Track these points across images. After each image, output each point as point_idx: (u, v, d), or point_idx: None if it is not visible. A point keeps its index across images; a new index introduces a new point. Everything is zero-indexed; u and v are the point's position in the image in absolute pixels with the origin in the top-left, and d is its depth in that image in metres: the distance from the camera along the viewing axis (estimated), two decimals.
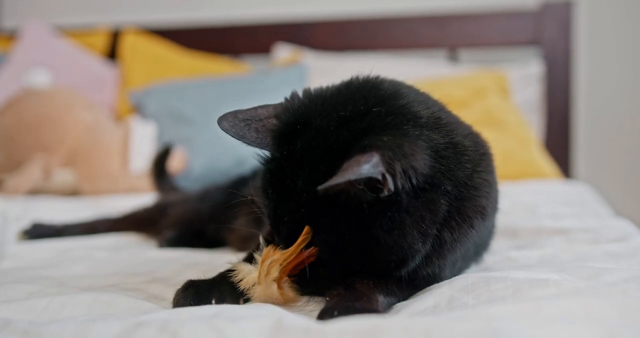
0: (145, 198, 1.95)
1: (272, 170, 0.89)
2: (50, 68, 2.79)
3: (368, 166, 0.76)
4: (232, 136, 0.91)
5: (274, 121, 0.92)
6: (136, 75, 2.97)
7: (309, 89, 0.96)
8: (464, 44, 2.87)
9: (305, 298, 0.93)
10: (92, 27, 3.19)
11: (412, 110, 0.88)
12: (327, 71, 2.59)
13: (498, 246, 1.30)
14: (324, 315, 0.78)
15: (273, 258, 0.88)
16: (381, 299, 0.87)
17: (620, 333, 0.61)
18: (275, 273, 0.88)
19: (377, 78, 0.95)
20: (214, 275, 0.93)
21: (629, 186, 2.82)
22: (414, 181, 0.81)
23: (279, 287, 0.88)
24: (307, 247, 0.87)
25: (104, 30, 3.13)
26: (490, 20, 2.82)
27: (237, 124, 0.91)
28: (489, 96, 2.50)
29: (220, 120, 0.91)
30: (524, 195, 1.88)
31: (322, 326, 0.66)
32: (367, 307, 0.81)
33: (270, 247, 0.90)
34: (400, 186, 0.80)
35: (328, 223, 0.84)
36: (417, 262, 0.88)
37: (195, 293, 0.88)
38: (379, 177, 0.77)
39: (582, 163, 2.84)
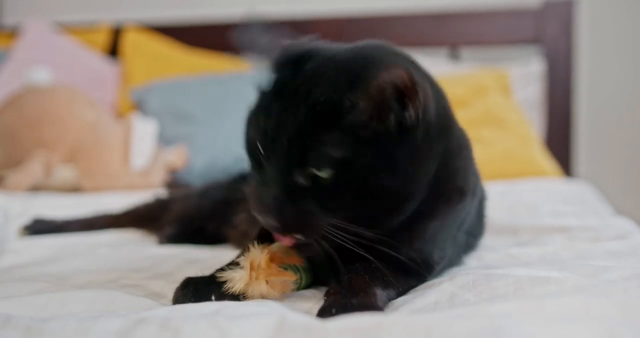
0: (146, 195, 1.95)
1: (275, 89, 0.87)
2: (51, 65, 2.78)
3: (399, 72, 0.77)
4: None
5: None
6: (137, 73, 2.96)
7: None
8: (465, 42, 2.87)
9: (302, 294, 0.93)
10: (93, 25, 3.18)
11: (411, 60, 0.95)
12: None
13: (499, 243, 1.30)
14: (322, 314, 0.78)
15: (259, 261, 0.88)
16: (379, 292, 0.86)
17: (620, 331, 0.61)
18: (262, 275, 0.88)
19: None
20: (213, 272, 0.93)
21: (630, 184, 2.82)
22: (428, 117, 0.84)
23: (269, 283, 0.89)
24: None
25: (105, 28, 3.13)
26: (491, 18, 2.81)
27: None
28: (490, 94, 2.50)
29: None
30: (524, 193, 1.87)
31: (323, 324, 0.66)
32: (365, 302, 0.80)
33: (252, 248, 0.90)
34: (420, 115, 0.82)
35: (342, 137, 0.80)
36: (408, 212, 0.87)
37: (194, 290, 0.88)
38: (410, 86, 0.78)
39: (583, 161, 2.84)
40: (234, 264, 0.92)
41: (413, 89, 0.78)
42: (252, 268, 0.88)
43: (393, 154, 0.81)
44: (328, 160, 0.79)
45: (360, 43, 0.94)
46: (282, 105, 0.83)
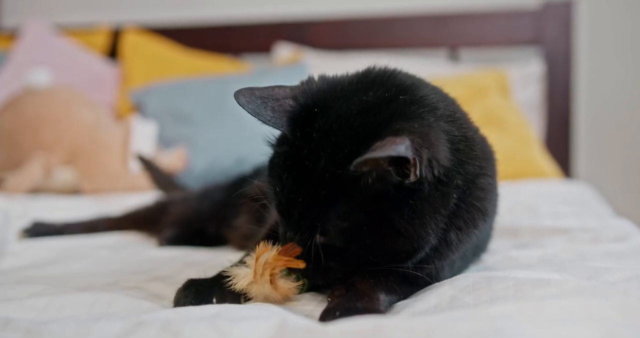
0: (146, 196, 1.95)
1: (286, 153, 0.88)
2: (51, 67, 2.78)
3: (403, 147, 0.76)
4: (248, 112, 0.89)
5: (291, 102, 0.91)
6: (137, 74, 2.96)
7: (325, 74, 0.97)
8: (464, 43, 2.87)
9: (303, 296, 0.93)
10: (92, 26, 3.18)
11: (431, 102, 0.89)
12: (328, 70, 2.57)
13: (499, 245, 1.30)
14: (326, 316, 0.78)
15: (266, 257, 0.88)
16: (382, 297, 0.87)
17: (620, 333, 0.61)
18: (267, 271, 0.88)
19: (392, 69, 0.95)
20: (214, 274, 0.93)
21: (629, 185, 2.82)
22: (436, 172, 0.82)
23: (273, 283, 0.88)
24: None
25: (104, 29, 3.13)
26: (491, 19, 2.82)
27: (254, 100, 0.90)
28: (490, 95, 2.50)
29: (237, 95, 0.89)
30: (524, 194, 1.87)
31: (324, 327, 0.67)
32: (368, 307, 0.81)
33: (262, 245, 0.90)
34: (424, 174, 0.80)
35: (347, 208, 0.83)
36: (423, 254, 0.88)
37: (195, 292, 0.88)
38: (411, 160, 0.77)
39: (582, 162, 2.84)
40: (240, 263, 0.93)
41: (414, 156, 0.78)
42: (257, 263, 0.88)
43: (396, 217, 0.83)
44: (337, 230, 0.84)
45: (371, 78, 0.92)
46: (292, 175, 0.86)
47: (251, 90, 0.90)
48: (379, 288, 0.87)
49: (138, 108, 2.76)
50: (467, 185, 0.90)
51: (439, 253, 0.91)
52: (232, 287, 0.88)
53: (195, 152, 2.49)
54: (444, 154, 0.83)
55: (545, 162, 2.33)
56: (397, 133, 0.79)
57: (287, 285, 0.90)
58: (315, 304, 0.90)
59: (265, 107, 0.90)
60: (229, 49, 3.08)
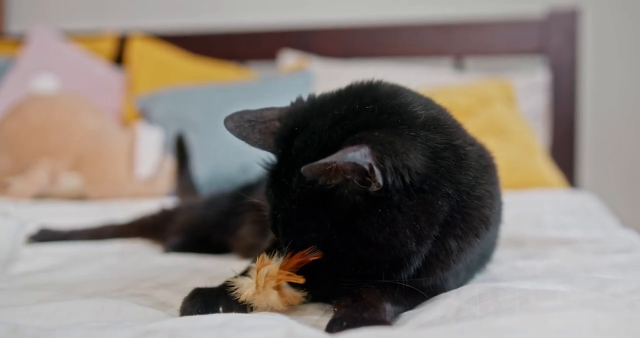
0: (151, 203, 1.95)
1: (271, 172, 0.91)
2: (57, 73, 2.79)
3: (355, 154, 0.77)
4: (236, 136, 0.93)
5: (277, 124, 0.94)
6: (142, 81, 2.97)
7: (314, 93, 0.98)
8: (469, 52, 2.88)
9: (309, 306, 0.93)
10: (98, 32, 3.20)
11: (409, 110, 0.89)
12: (334, 78, 2.59)
13: (504, 256, 1.30)
14: (332, 327, 0.78)
15: (269, 268, 0.89)
16: (388, 308, 0.87)
17: None
18: (271, 282, 0.88)
19: (377, 81, 0.96)
20: (220, 283, 0.93)
21: (635, 195, 2.81)
22: (407, 180, 0.82)
23: (279, 290, 0.89)
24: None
25: (110, 36, 3.15)
26: (496, 28, 2.82)
27: (242, 124, 0.93)
28: (495, 105, 2.50)
29: (226, 120, 0.93)
30: (529, 204, 1.87)
31: (331, 337, 0.67)
32: (374, 317, 0.81)
33: (262, 256, 0.91)
34: (390, 182, 0.81)
35: (318, 221, 0.85)
36: (417, 265, 0.87)
37: (202, 301, 0.89)
38: (366, 167, 0.78)
39: (587, 172, 2.84)
40: (244, 274, 0.93)
41: (369, 163, 0.78)
42: (258, 275, 0.89)
43: (365, 225, 0.83)
44: (313, 242, 0.86)
45: (351, 92, 0.94)
46: (275, 192, 0.90)
47: (241, 114, 0.94)
48: (385, 298, 0.87)
49: (144, 114, 2.77)
50: (461, 195, 0.89)
51: (441, 262, 0.91)
52: (236, 297, 0.88)
53: (200, 159, 2.49)
54: (417, 161, 0.83)
55: (550, 172, 2.33)
56: (354, 142, 0.81)
57: (294, 293, 0.90)
58: (321, 314, 0.90)
59: (252, 130, 0.94)
60: (234, 56, 3.09)
